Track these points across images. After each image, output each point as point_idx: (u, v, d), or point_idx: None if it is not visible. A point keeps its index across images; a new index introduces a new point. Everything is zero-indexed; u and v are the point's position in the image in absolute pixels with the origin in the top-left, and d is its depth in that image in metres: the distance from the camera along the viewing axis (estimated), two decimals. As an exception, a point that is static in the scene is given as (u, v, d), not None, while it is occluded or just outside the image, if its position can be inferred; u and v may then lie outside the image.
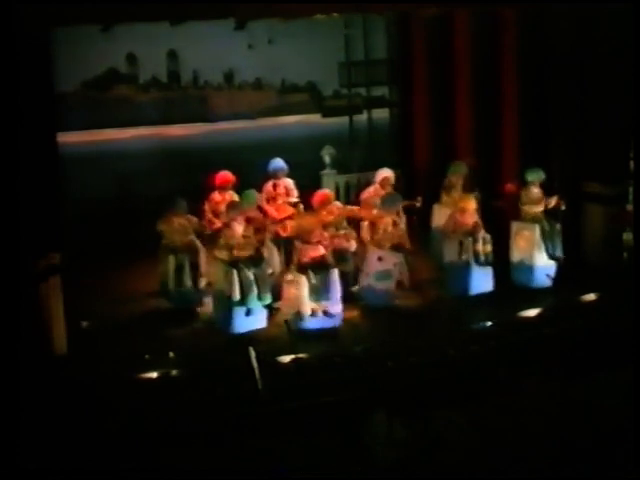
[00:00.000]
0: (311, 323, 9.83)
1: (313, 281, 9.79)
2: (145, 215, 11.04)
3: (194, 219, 10.55)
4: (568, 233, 11.19)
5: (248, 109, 14.40)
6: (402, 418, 8.25)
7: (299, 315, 9.85)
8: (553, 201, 10.97)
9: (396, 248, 10.54)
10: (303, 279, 9.79)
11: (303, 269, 9.86)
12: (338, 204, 11.05)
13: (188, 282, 10.38)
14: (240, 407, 8.52)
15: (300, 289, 9.80)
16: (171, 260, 10.37)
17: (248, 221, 10.18)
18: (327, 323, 9.90)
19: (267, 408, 8.52)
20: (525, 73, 12.12)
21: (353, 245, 10.59)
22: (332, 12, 11.53)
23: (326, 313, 9.85)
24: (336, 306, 9.93)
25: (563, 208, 11.01)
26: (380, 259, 10.45)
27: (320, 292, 9.83)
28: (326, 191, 11.26)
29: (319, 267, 9.90)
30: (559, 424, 8.24)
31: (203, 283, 10.52)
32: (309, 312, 9.79)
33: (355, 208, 11.17)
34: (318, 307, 9.81)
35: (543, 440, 7.97)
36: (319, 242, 9.99)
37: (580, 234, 11.48)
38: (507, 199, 11.51)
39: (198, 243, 10.54)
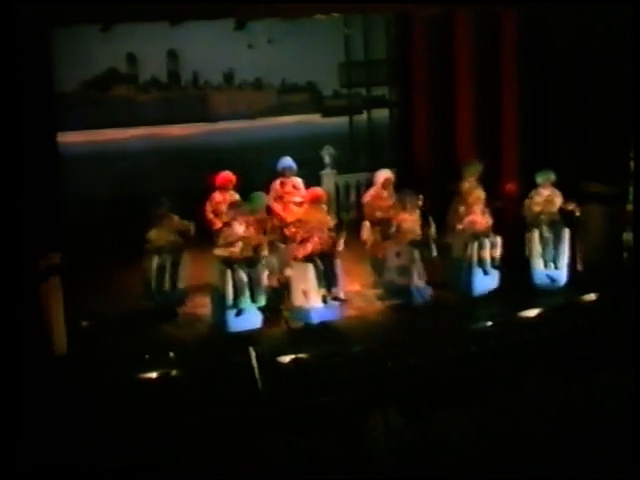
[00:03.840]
0: (315, 316, 9.85)
1: (321, 267, 9.84)
2: (145, 215, 11.02)
3: (176, 217, 10.39)
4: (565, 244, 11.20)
5: (248, 109, 14.41)
6: (402, 418, 8.25)
7: (301, 309, 9.89)
8: (570, 206, 10.98)
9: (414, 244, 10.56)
10: (310, 267, 9.81)
11: (309, 258, 9.90)
12: (324, 207, 11.00)
13: (168, 283, 10.29)
14: (240, 407, 8.52)
15: (307, 279, 9.81)
16: (155, 260, 10.26)
17: (253, 223, 10.16)
18: (330, 315, 9.93)
19: (267, 408, 8.52)
20: (525, 73, 12.12)
21: (341, 246, 10.54)
22: (332, 12, 11.53)
23: (336, 298, 9.94)
24: (342, 294, 10.03)
25: (577, 214, 11.02)
26: (398, 254, 10.48)
27: (328, 278, 9.89)
28: (319, 190, 11.18)
29: (323, 255, 9.95)
30: (559, 424, 8.24)
31: (183, 284, 10.45)
32: (319, 299, 9.84)
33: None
34: (327, 294, 9.88)
35: (543, 440, 7.96)
36: (314, 235, 10.04)
37: (580, 234, 11.47)
38: (507, 199, 11.50)
39: (181, 242, 10.44)
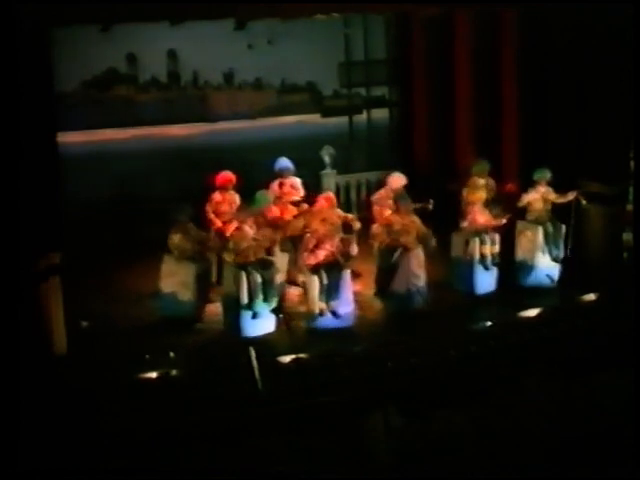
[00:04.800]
0: (323, 322, 9.86)
1: (325, 281, 9.84)
2: (145, 215, 11.06)
3: (194, 227, 10.33)
4: (567, 238, 11.20)
5: (248, 109, 14.43)
6: (402, 418, 8.25)
7: (308, 315, 9.93)
8: (570, 196, 10.99)
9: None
10: (315, 279, 9.82)
11: (315, 269, 9.88)
12: (339, 211, 10.93)
13: (191, 293, 10.20)
14: (240, 407, 8.52)
15: (310, 289, 9.83)
16: (191, 270, 10.15)
17: (259, 223, 10.17)
18: (338, 322, 9.94)
19: (267, 408, 8.52)
20: (525, 73, 12.13)
21: (355, 249, 10.51)
22: (332, 12, 11.53)
23: (334, 314, 9.92)
24: (346, 306, 10.03)
25: (584, 202, 11.01)
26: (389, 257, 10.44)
27: (331, 292, 9.89)
28: (331, 194, 11.15)
29: (330, 267, 9.93)
30: (559, 424, 8.24)
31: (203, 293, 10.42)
32: (317, 311, 9.85)
33: (349, 215, 10.99)
34: (326, 307, 9.87)
35: (543, 440, 7.97)
36: (325, 242, 10.01)
37: (580, 234, 11.47)
38: (507, 199, 11.50)
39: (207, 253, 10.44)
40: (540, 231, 11.02)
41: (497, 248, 10.81)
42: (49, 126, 9.22)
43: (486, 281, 10.83)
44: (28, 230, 8.54)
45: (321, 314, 9.88)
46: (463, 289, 10.88)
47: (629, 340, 9.40)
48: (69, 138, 11.68)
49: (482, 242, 10.73)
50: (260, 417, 8.41)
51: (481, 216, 10.82)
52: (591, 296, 10.78)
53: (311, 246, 10.01)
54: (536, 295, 10.84)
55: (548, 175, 11.04)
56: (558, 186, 11.10)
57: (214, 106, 14.27)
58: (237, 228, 9.94)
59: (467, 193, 11.35)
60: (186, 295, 10.18)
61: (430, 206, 10.89)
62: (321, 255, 9.95)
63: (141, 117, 13.80)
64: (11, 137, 8.34)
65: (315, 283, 9.86)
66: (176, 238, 10.17)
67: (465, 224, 10.95)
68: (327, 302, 9.89)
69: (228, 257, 9.84)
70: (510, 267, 11.16)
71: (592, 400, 8.65)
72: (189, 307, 10.22)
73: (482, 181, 11.35)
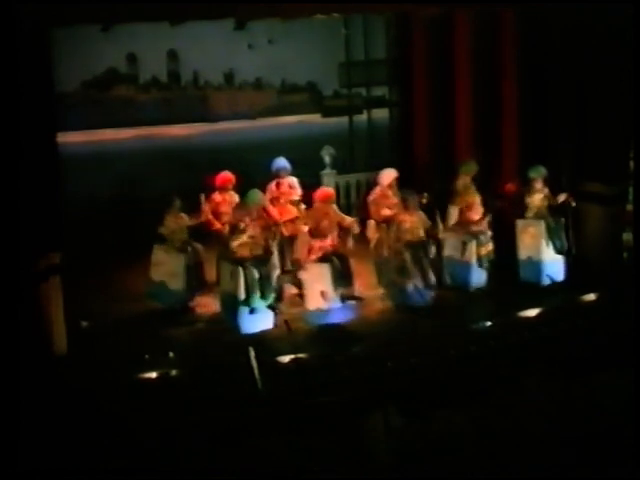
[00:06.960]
0: (331, 317, 9.87)
1: (339, 267, 9.87)
2: (145, 215, 11.05)
3: (186, 217, 10.45)
4: (568, 233, 11.21)
5: (248, 109, 14.44)
6: (402, 418, 8.25)
7: (317, 311, 9.91)
8: (562, 197, 11.01)
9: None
10: (327, 267, 9.84)
11: (325, 258, 9.93)
12: (334, 208, 10.97)
13: (182, 283, 10.33)
14: (240, 407, 8.52)
15: (323, 279, 9.83)
16: (180, 261, 10.28)
17: (259, 221, 10.20)
18: (346, 315, 9.95)
19: (267, 408, 8.52)
20: (525, 73, 12.13)
21: (350, 243, 10.54)
22: (332, 12, 11.54)
23: (353, 297, 10.04)
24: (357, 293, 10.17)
25: (573, 204, 11.04)
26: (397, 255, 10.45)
27: (344, 278, 9.95)
28: (329, 189, 11.19)
29: (337, 255, 10.01)
30: (559, 424, 8.24)
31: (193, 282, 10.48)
32: (337, 299, 9.86)
33: (348, 218, 11.01)
34: (345, 293, 9.94)
35: (543, 440, 7.97)
36: (330, 233, 10.08)
37: (580, 234, 11.47)
38: (507, 199, 11.51)
39: (195, 244, 10.50)
40: (543, 225, 11.03)
41: (491, 246, 10.84)
42: (49, 126, 9.23)
43: (480, 277, 10.87)
44: (28, 230, 8.54)
45: (342, 300, 9.90)
46: (457, 286, 10.89)
47: (629, 340, 9.40)
48: (69, 138, 11.68)
49: (479, 243, 10.75)
50: (260, 417, 8.41)
51: (477, 214, 10.84)
52: (591, 296, 10.77)
53: (312, 242, 10.05)
54: (536, 295, 10.84)
55: (543, 172, 11.06)
56: (558, 186, 11.11)
57: (214, 106, 14.29)
58: (233, 225, 9.96)
59: (456, 194, 11.38)
60: (174, 285, 10.30)
61: (424, 200, 10.88)
62: (322, 250, 9.98)
63: (141, 117, 13.82)
64: (11, 137, 8.34)
65: (325, 274, 9.85)
66: (170, 224, 10.28)
67: (457, 226, 10.94)
68: (345, 288, 9.96)
69: (225, 254, 9.85)
70: (512, 265, 11.15)
71: (592, 400, 8.64)
72: (178, 297, 10.32)
73: (469, 182, 11.36)
